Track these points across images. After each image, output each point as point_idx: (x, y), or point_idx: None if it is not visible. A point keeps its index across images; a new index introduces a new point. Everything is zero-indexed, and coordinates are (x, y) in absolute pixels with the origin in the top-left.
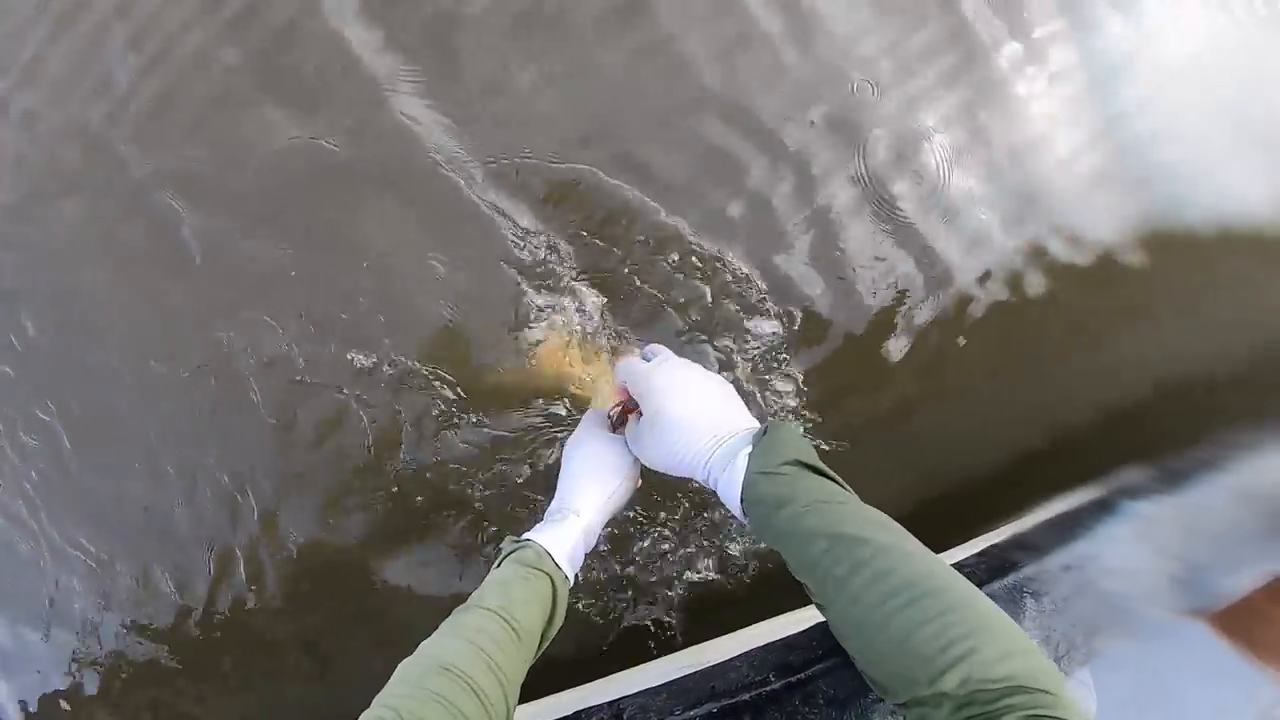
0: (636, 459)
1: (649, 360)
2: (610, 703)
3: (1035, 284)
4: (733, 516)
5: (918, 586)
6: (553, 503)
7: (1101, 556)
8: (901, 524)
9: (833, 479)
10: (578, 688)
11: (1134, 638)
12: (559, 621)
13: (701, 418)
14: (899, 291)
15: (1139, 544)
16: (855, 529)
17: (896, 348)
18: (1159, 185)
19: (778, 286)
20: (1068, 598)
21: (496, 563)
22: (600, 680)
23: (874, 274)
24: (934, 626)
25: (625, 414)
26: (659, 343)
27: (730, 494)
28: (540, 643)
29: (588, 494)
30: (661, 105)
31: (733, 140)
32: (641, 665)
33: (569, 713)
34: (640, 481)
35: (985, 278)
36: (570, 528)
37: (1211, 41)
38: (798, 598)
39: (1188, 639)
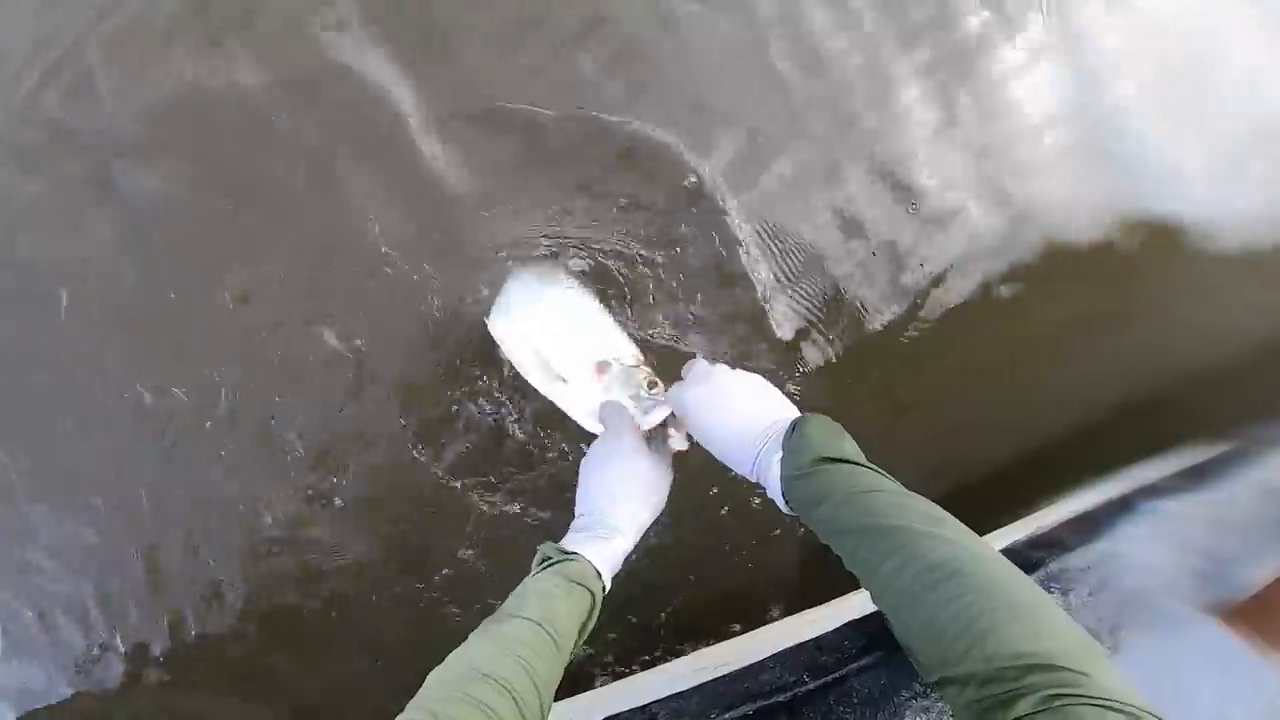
0: (670, 475)
1: (684, 377)
2: (642, 707)
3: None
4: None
5: (945, 567)
6: (587, 512)
7: (1125, 554)
8: None
9: (862, 464)
10: (603, 688)
11: (1154, 632)
12: (591, 626)
13: (734, 429)
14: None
15: (1162, 541)
16: (884, 518)
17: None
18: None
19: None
20: (1093, 593)
21: (536, 569)
22: (624, 681)
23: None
24: (958, 605)
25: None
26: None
27: (776, 498)
28: (575, 646)
29: (631, 512)
30: None
31: None
32: (663, 666)
33: (600, 718)
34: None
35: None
36: (618, 547)
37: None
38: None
39: (1200, 633)
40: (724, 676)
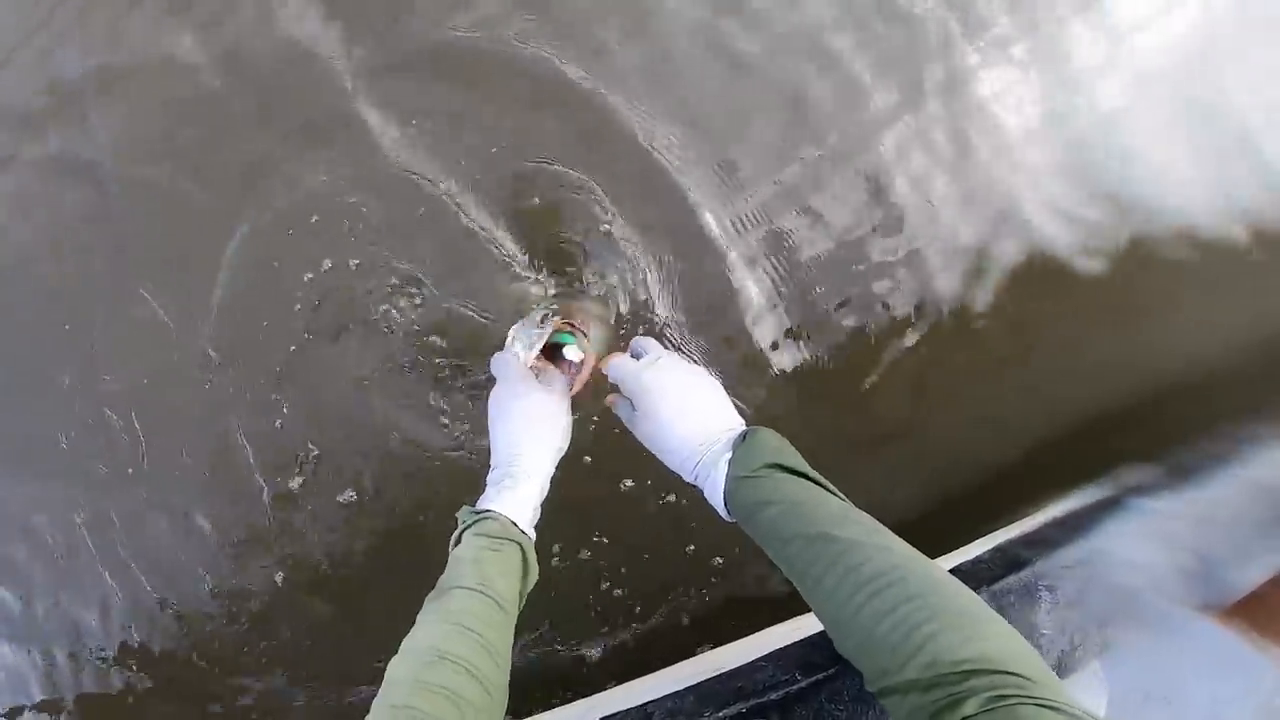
0: (568, 407)
1: (639, 357)
2: (639, 707)
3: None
4: (720, 518)
5: (884, 577)
6: (496, 466)
7: (1113, 551)
8: (914, 524)
9: (813, 479)
10: (601, 694)
11: (1143, 630)
12: (533, 579)
13: (688, 422)
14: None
15: (1150, 538)
16: (827, 528)
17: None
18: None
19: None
20: (1081, 591)
21: (456, 535)
22: (622, 686)
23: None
24: (898, 615)
25: (555, 365)
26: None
27: (715, 497)
28: (519, 604)
29: (536, 454)
30: None
31: None
32: (660, 671)
33: (596, 718)
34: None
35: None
36: (527, 492)
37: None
38: None
39: (1191, 632)
40: (718, 675)
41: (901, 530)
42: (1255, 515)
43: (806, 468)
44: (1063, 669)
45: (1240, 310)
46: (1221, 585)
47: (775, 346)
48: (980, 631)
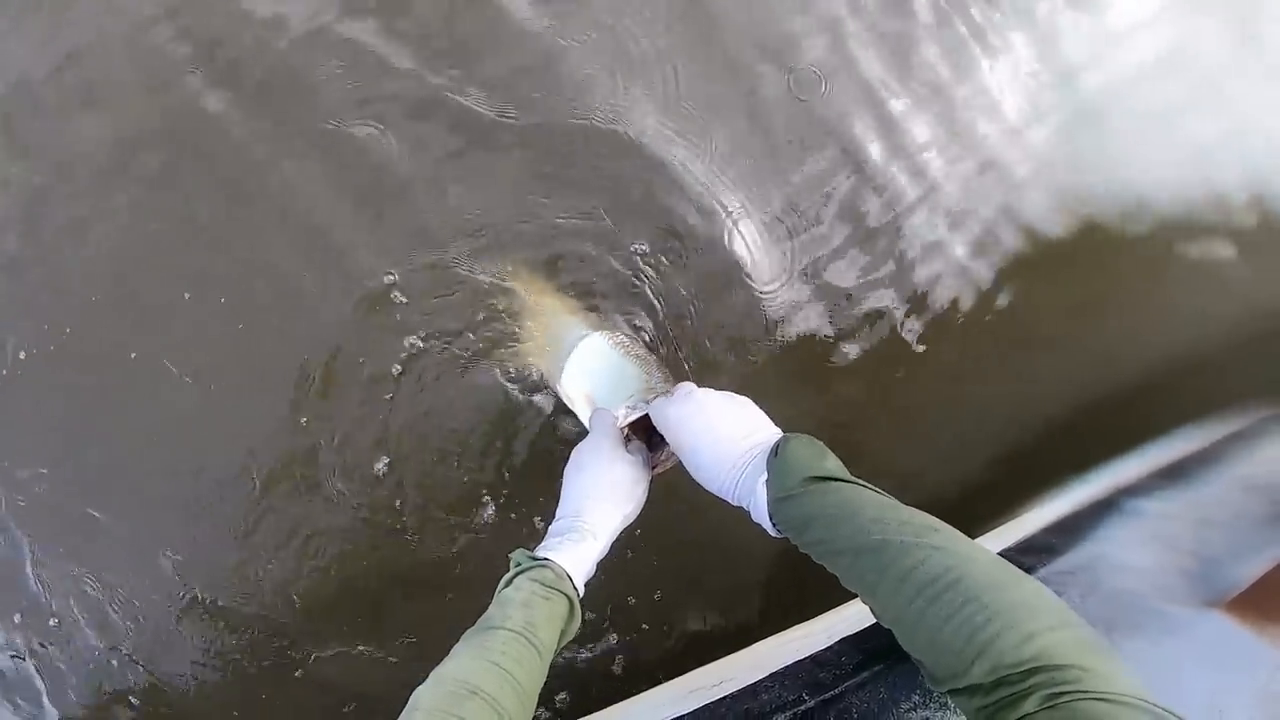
0: (648, 482)
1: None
2: None
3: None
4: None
5: (940, 581)
6: (563, 517)
7: (1112, 555)
8: None
9: (849, 480)
10: (600, 713)
11: (1147, 632)
12: (572, 633)
13: (718, 448)
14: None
15: (1149, 541)
16: (872, 535)
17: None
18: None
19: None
20: (1083, 597)
21: (509, 577)
22: (618, 706)
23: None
24: (957, 620)
25: (643, 437)
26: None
27: (761, 519)
28: (554, 652)
29: (606, 517)
30: None
31: None
32: (657, 688)
33: None
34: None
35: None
36: (589, 550)
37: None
38: None
39: (1191, 627)
40: (724, 698)
41: None
42: (1252, 512)
43: (841, 470)
44: None
45: (1229, 299)
46: (1221, 582)
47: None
48: (1040, 625)
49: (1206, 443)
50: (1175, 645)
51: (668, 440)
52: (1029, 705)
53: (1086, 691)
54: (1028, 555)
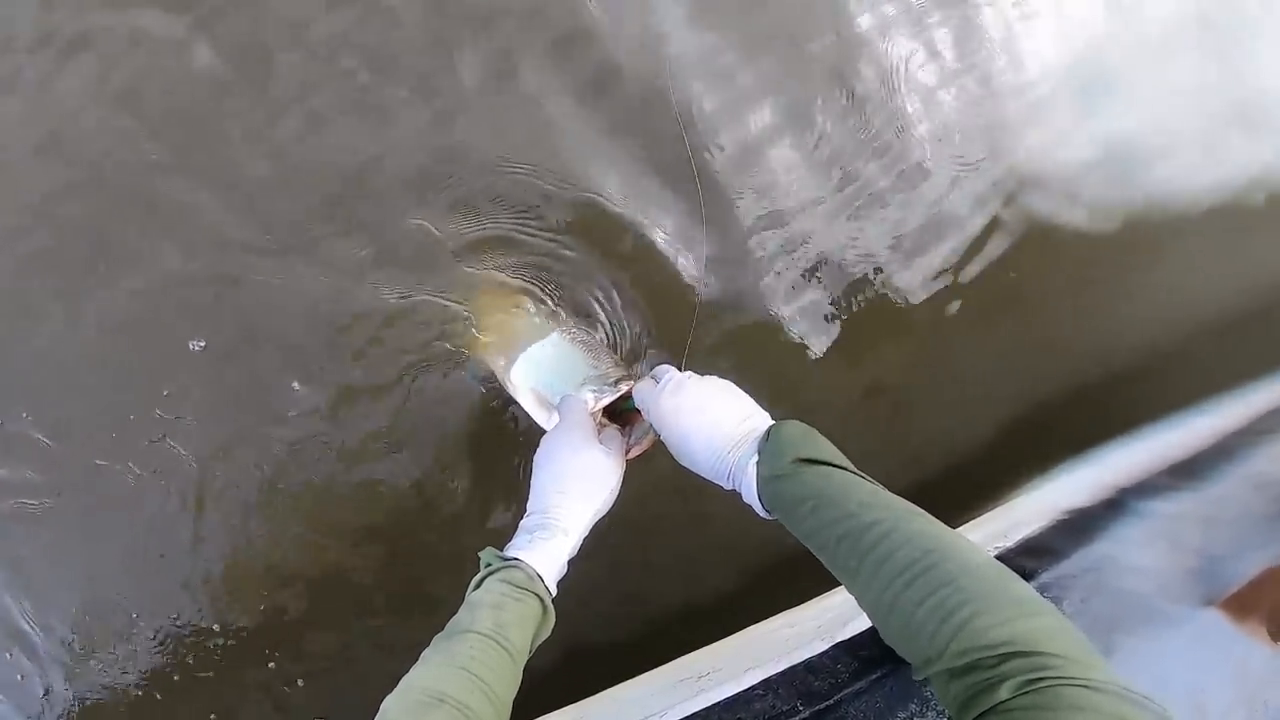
0: (622, 472)
1: (658, 381)
2: None
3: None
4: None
5: (918, 564)
6: (533, 513)
7: (1119, 556)
8: None
9: (838, 465)
10: (577, 704)
11: (1147, 631)
12: (546, 634)
13: (709, 432)
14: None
15: (1156, 541)
16: (859, 519)
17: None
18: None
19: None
20: (1086, 598)
21: (478, 579)
22: (606, 693)
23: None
24: (932, 601)
25: (615, 423)
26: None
27: (752, 503)
28: (528, 654)
29: (577, 511)
30: None
31: None
32: (642, 676)
33: None
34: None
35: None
36: (560, 547)
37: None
38: None
39: (1190, 625)
40: (714, 705)
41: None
42: (1258, 510)
43: (834, 455)
44: None
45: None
46: (1222, 580)
47: None
48: (1015, 611)
49: (1218, 438)
50: (1165, 640)
51: (657, 429)
52: (1004, 692)
53: (1065, 678)
54: (1031, 557)
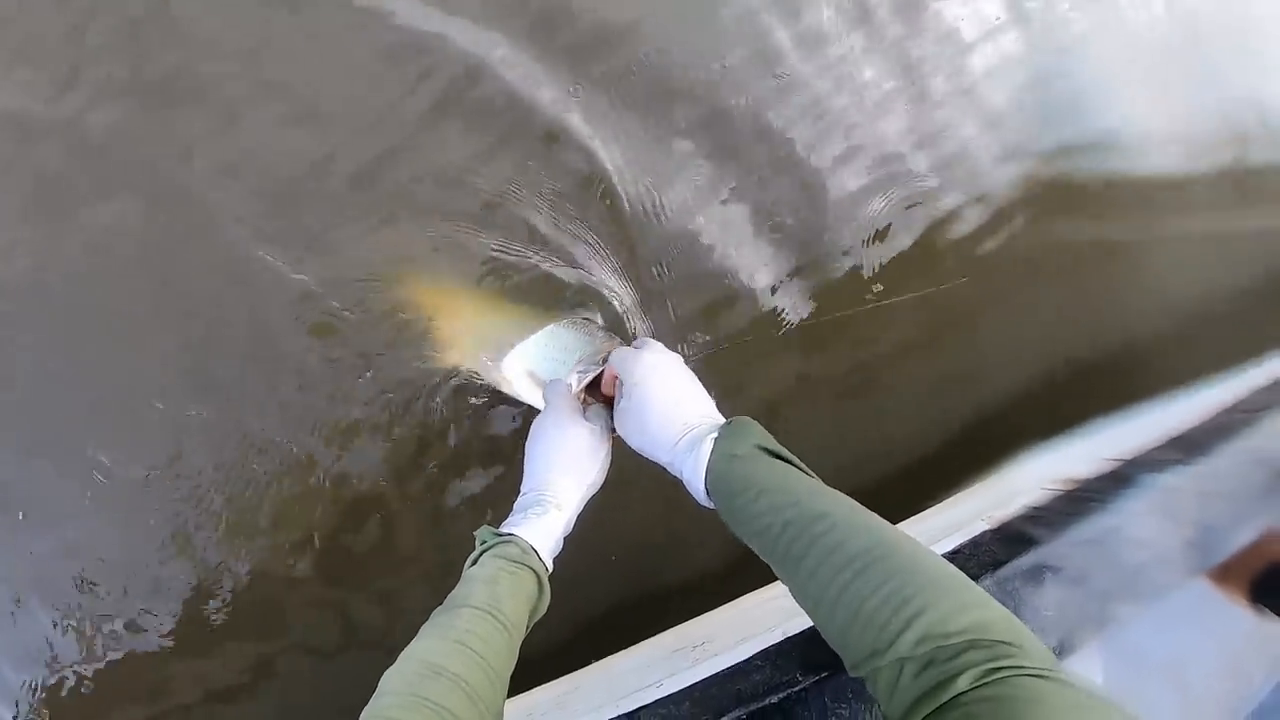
0: (610, 446)
1: (639, 349)
2: (628, 714)
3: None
4: (699, 504)
5: (867, 555)
6: (527, 492)
7: (1121, 528)
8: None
9: (795, 464)
10: (572, 674)
11: (1142, 601)
12: (542, 610)
13: (675, 403)
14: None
15: (1156, 514)
16: (810, 507)
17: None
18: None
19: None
20: (1085, 570)
21: (474, 555)
22: (598, 665)
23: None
24: (884, 592)
25: (601, 399)
26: None
27: (695, 478)
28: (525, 629)
29: (568, 486)
30: None
31: None
32: (629, 649)
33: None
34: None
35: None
36: (553, 522)
37: None
38: None
39: (1181, 594)
40: (713, 677)
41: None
42: (1254, 484)
43: (788, 453)
44: (1063, 649)
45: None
46: (1216, 551)
47: None
48: (968, 599)
49: (1220, 412)
50: (1156, 609)
51: (626, 387)
52: (963, 682)
53: (1023, 667)
54: (1034, 525)
